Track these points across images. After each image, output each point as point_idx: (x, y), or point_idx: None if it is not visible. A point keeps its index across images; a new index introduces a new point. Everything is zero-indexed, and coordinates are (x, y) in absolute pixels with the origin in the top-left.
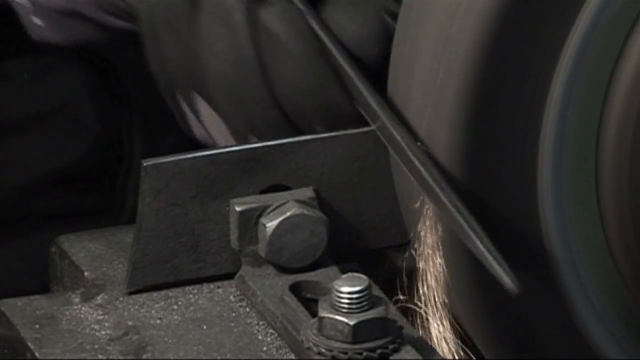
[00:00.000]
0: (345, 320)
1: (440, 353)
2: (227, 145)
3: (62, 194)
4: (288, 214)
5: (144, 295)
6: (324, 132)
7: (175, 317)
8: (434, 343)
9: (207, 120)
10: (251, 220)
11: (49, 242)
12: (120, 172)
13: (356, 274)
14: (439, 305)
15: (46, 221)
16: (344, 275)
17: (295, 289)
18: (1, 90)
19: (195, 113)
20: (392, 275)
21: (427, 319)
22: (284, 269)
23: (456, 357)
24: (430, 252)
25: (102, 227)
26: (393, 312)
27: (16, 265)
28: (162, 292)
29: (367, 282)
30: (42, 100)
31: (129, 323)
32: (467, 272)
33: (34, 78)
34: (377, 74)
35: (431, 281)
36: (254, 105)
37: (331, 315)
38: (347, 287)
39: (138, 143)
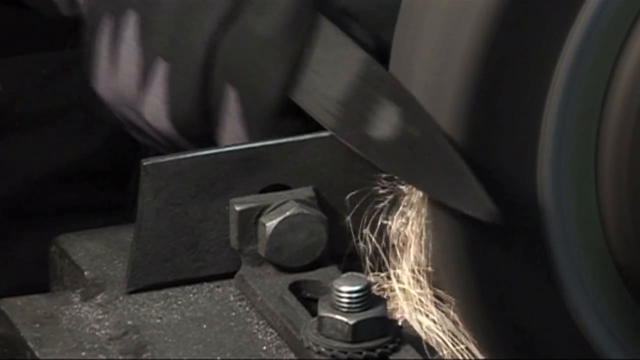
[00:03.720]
0: (345, 319)
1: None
2: (227, 145)
3: (76, 189)
4: (288, 213)
5: (144, 294)
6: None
7: (175, 316)
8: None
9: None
10: (251, 219)
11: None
12: (135, 169)
13: (356, 274)
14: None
15: (60, 216)
16: (344, 275)
17: (295, 288)
18: (18, 84)
19: None
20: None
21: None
22: (283, 269)
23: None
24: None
25: (114, 223)
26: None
27: (29, 259)
28: (162, 292)
29: (366, 282)
30: (58, 95)
31: (129, 322)
32: (466, 272)
33: (51, 73)
34: None
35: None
36: None
37: (331, 315)
38: (347, 287)
39: None
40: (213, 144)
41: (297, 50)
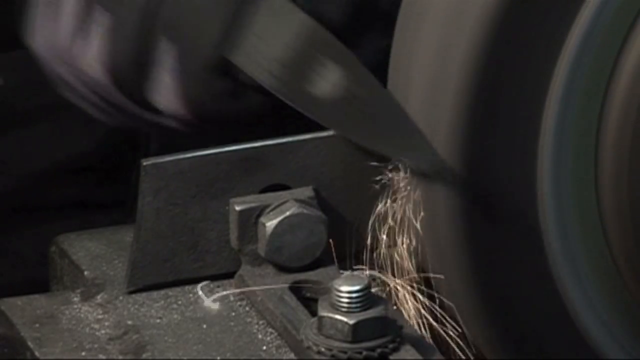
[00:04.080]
0: (345, 319)
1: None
2: (227, 145)
3: (76, 184)
4: (288, 213)
5: (144, 294)
6: None
7: (175, 316)
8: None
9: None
10: (251, 219)
11: (63, 231)
12: (135, 164)
13: (356, 273)
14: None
15: (60, 211)
16: (344, 275)
17: (294, 288)
18: (19, 79)
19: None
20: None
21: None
22: (283, 268)
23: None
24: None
25: (116, 219)
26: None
27: (30, 255)
28: (162, 292)
29: (366, 282)
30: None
31: (129, 322)
32: (465, 272)
33: None
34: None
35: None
36: None
37: (331, 315)
38: (347, 287)
39: (154, 135)
40: (145, 98)
41: (234, 12)
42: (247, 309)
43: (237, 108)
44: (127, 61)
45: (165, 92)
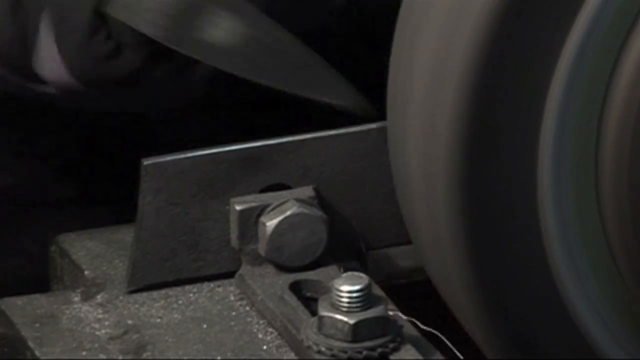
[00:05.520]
0: (345, 319)
1: None
2: (228, 144)
3: (82, 179)
4: (288, 212)
5: (144, 294)
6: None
7: (176, 316)
8: None
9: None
10: (251, 219)
11: (69, 227)
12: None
13: (356, 273)
14: None
15: (66, 207)
16: (344, 274)
17: (295, 287)
18: None
19: None
20: None
21: None
22: (284, 268)
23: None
24: None
25: (121, 214)
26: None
27: (37, 251)
28: (162, 291)
29: (367, 281)
30: None
31: (129, 322)
32: (465, 272)
33: None
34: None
35: None
36: None
37: (331, 314)
38: (347, 286)
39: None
40: (29, 69)
41: None
42: (248, 308)
43: (114, 70)
44: (6, 32)
45: (49, 60)
